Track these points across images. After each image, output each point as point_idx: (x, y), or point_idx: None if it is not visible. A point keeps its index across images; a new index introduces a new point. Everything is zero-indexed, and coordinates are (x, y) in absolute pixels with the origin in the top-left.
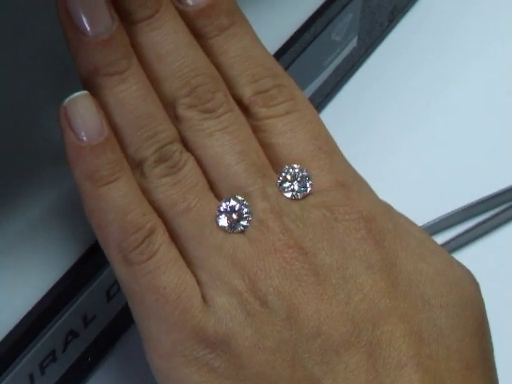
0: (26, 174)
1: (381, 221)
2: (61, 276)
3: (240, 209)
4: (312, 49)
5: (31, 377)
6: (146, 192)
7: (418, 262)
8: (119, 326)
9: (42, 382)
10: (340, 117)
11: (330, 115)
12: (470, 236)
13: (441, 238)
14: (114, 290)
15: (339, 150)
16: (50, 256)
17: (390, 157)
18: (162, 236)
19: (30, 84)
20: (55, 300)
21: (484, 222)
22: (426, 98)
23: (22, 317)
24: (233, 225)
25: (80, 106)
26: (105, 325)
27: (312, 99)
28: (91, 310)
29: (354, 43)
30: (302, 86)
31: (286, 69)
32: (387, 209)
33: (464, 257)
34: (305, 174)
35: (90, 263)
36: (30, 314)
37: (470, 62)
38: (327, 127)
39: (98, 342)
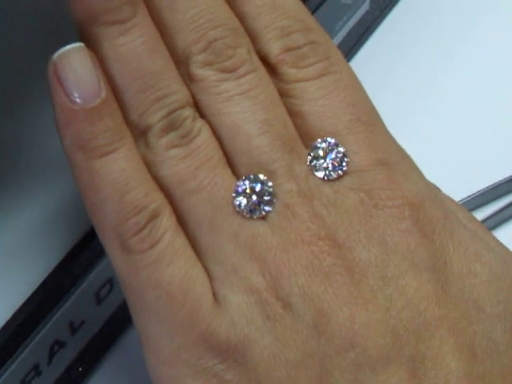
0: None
1: (430, 209)
2: (42, 280)
3: (262, 190)
4: (321, 13)
5: None
6: (150, 166)
7: (472, 262)
8: (112, 330)
9: None
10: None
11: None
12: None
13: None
14: (103, 291)
15: (382, 122)
16: (30, 257)
17: (405, 124)
18: (167, 220)
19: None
20: (37, 307)
21: None
22: (445, 62)
23: None
24: (253, 209)
25: (73, 61)
26: (95, 331)
27: None
28: (79, 316)
29: (366, 6)
30: None
31: None
32: (436, 193)
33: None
34: (340, 149)
35: (76, 263)
36: (8, 324)
37: (495, 22)
38: None
39: (88, 351)
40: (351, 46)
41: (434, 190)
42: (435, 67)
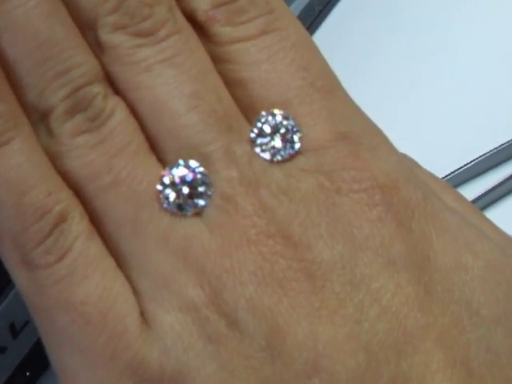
0: None
1: (406, 190)
2: None
3: (194, 179)
4: None
5: None
6: (54, 158)
7: (461, 254)
8: None
9: None
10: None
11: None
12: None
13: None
14: None
15: (341, 87)
16: None
17: (390, 93)
18: (78, 224)
19: None
20: None
21: None
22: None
23: None
24: (184, 203)
25: None
26: None
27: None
28: (20, 316)
29: None
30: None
31: None
32: (413, 169)
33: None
34: (291, 123)
35: None
36: None
37: None
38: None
39: (34, 354)
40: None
41: (410, 164)
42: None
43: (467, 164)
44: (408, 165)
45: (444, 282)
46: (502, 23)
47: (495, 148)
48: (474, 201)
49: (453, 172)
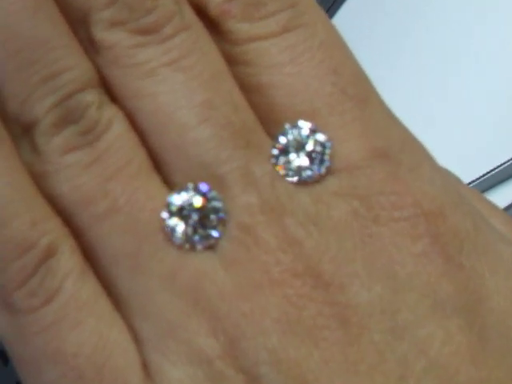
0: None
1: (453, 217)
2: None
3: (206, 206)
4: None
5: None
6: (39, 180)
7: None
8: None
9: None
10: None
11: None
12: None
13: None
14: None
15: (376, 94)
16: None
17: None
18: (68, 260)
19: None
20: None
21: None
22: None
23: None
24: (194, 236)
25: None
26: None
27: None
28: None
29: None
30: None
31: None
32: (458, 191)
33: None
34: (320, 137)
35: None
36: None
37: None
38: None
39: None
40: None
41: (455, 185)
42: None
43: (496, 168)
44: (454, 186)
45: (499, 328)
46: None
47: None
48: (507, 208)
49: (481, 176)
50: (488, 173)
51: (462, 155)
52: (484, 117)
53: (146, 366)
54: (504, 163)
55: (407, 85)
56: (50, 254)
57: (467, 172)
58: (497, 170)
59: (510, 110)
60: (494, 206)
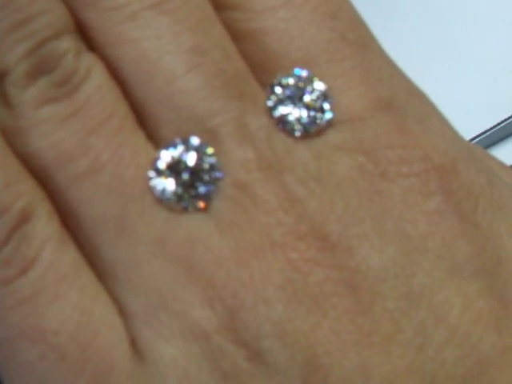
0: None
1: (467, 173)
2: None
3: (198, 162)
4: None
5: None
6: (12, 137)
7: None
8: None
9: None
10: None
11: None
12: None
13: None
14: None
15: (374, 38)
16: None
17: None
18: (45, 226)
19: None
20: None
21: None
22: None
23: None
24: (185, 195)
25: None
26: None
27: None
28: None
29: None
30: None
31: None
32: (467, 144)
33: None
34: (318, 86)
35: None
36: None
37: None
38: None
39: None
40: None
41: (465, 141)
42: None
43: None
44: (464, 140)
45: None
46: None
47: None
48: None
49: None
50: (491, 129)
51: (464, 112)
52: (487, 72)
53: (134, 343)
54: (507, 119)
55: (405, 42)
56: (24, 219)
57: (469, 128)
58: (499, 127)
59: None
60: (501, 163)
